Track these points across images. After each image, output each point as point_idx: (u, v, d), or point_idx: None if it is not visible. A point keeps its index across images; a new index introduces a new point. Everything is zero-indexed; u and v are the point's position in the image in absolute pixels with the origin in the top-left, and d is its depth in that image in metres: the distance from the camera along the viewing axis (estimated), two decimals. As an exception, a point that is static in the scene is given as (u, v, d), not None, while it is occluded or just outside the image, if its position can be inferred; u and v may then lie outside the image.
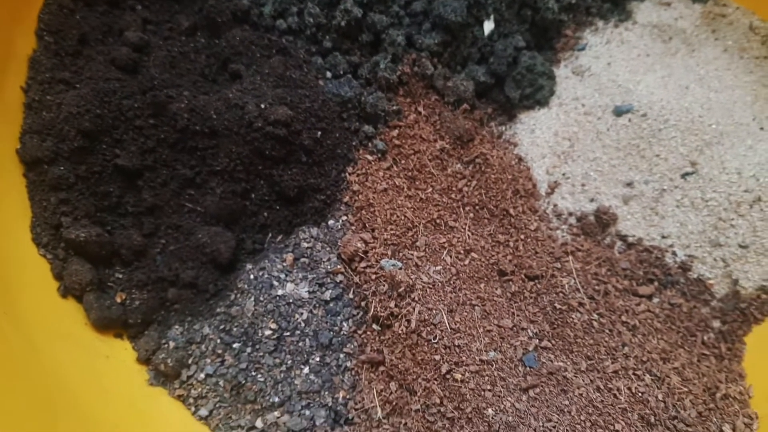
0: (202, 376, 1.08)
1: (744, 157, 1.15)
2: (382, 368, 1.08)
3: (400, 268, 1.10)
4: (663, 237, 1.17)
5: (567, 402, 1.01)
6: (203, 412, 1.06)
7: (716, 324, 1.14)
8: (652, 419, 1.00)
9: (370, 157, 1.22)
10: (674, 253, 1.17)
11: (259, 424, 1.06)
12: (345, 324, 1.12)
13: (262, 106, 1.11)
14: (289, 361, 1.08)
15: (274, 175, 1.14)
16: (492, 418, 0.99)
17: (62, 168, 1.07)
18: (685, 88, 1.21)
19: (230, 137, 1.11)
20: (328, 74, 1.24)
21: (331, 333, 1.10)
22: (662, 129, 1.18)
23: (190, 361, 1.08)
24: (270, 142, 1.11)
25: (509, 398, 1.01)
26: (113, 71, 1.12)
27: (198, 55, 1.18)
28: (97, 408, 1.01)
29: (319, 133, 1.17)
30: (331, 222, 1.19)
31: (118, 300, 1.10)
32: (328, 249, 1.16)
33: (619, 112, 1.20)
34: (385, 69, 1.23)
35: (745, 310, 1.14)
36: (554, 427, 0.98)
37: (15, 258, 1.05)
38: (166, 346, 1.09)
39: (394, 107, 1.24)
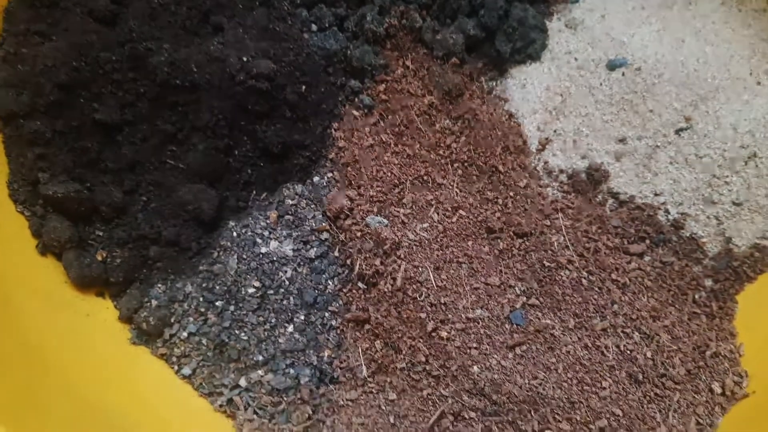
0: (185, 334, 1.06)
1: (740, 112, 1.12)
2: (367, 327, 1.06)
3: (386, 225, 1.08)
4: (656, 194, 1.15)
5: (554, 359, 1.00)
6: (186, 371, 1.06)
7: (708, 283, 1.12)
8: (641, 377, 0.99)
9: (356, 113, 1.19)
10: (667, 211, 1.14)
11: (243, 382, 1.05)
12: (330, 282, 1.10)
13: (245, 59, 1.08)
14: (273, 320, 1.07)
15: (257, 131, 1.11)
16: (477, 375, 0.98)
17: (39, 122, 1.04)
18: (680, 42, 1.18)
19: (212, 91, 1.08)
20: (314, 27, 1.20)
21: (316, 291, 1.09)
22: (656, 83, 1.14)
23: (172, 320, 1.07)
24: (253, 97, 1.08)
25: (495, 356, 0.99)
26: (91, 23, 1.08)
27: (179, 7, 1.14)
28: (77, 366, 1.00)
29: (304, 87, 1.13)
30: (316, 179, 1.17)
31: (99, 258, 1.08)
32: (313, 206, 1.14)
33: (612, 66, 1.17)
34: (372, 21, 1.19)
35: (737, 269, 1.12)
36: (540, 384, 0.97)
37: (-8, 215, 1.03)
38: (148, 304, 1.08)
39: (381, 61, 1.20)
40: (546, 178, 1.19)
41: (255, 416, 1.03)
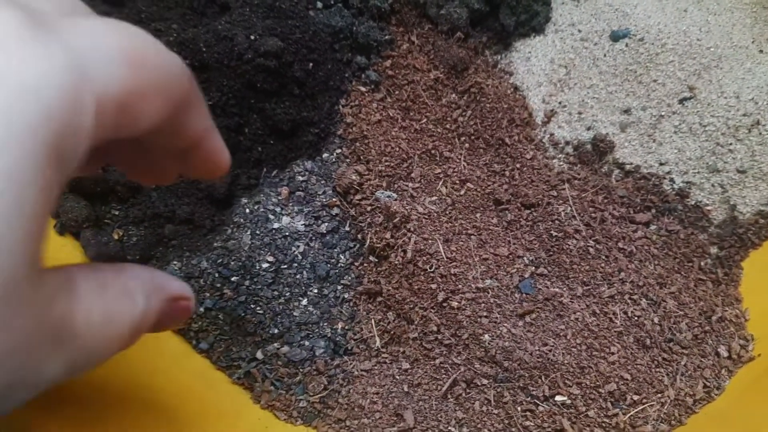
0: (202, 310, 1.09)
1: (743, 80, 1.13)
2: (379, 299, 1.09)
3: (396, 199, 1.10)
4: (661, 164, 1.16)
5: (563, 326, 1.02)
6: (204, 345, 1.08)
7: (713, 250, 1.14)
8: (648, 342, 1.01)
9: (363, 89, 1.21)
10: (672, 180, 1.16)
11: (259, 355, 1.07)
12: (342, 256, 1.12)
13: (252, 37, 1.09)
14: (288, 294, 1.09)
15: (266, 109, 1.13)
16: (488, 343, 1.00)
17: (53, 105, 1.06)
18: (683, 11, 1.19)
19: (221, 70, 1.09)
20: (319, 4, 1.21)
21: (329, 265, 1.11)
22: (660, 53, 1.15)
23: (189, 296, 1.09)
24: (261, 75, 1.09)
25: (505, 324, 1.01)
26: (99, 5, 1.10)
27: (185, -13, 1.15)
28: (98, 342, 1.01)
29: (311, 64, 1.15)
30: (325, 155, 1.18)
31: (116, 237, 1.10)
32: (323, 182, 1.16)
33: (615, 37, 1.18)
34: (377, -3, 1.20)
35: (742, 236, 1.14)
36: (550, 350, 0.99)
37: (10, 196, 1.05)
38: (164, 281, 1.09)
39: (387, 37, 1.21)
40: (552, 150, 1.20)
41: (272, 387, 1.06)
